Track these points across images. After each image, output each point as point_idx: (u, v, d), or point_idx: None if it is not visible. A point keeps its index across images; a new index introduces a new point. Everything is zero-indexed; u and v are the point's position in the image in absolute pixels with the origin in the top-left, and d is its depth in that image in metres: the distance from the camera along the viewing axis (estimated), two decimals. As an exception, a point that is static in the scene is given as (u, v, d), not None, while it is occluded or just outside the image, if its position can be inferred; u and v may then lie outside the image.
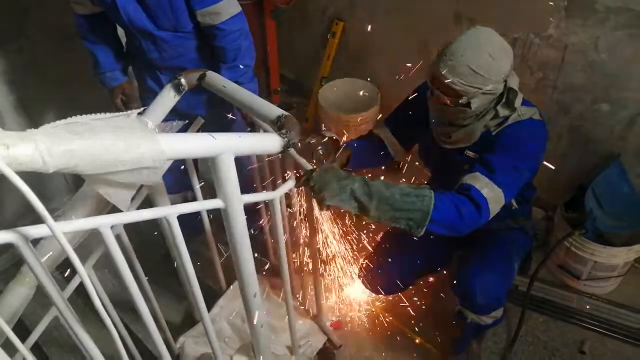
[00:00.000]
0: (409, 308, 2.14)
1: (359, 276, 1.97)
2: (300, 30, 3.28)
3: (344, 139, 1.67)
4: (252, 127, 1.65)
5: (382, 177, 1.42)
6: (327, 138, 1.34)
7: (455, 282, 1.71)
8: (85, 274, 0.86)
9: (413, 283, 1.98)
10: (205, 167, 2.12)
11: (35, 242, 0.96)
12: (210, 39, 1.80)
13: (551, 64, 2.16)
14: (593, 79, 2.07)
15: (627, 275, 2.21)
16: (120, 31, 1.92)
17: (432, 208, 1.31)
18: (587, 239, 2.05)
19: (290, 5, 2.94)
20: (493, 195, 1.41)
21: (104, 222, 0.90)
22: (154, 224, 1.30)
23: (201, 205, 1.15)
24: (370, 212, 1.30)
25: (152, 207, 1.47)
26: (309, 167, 1.33)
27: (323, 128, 2.97)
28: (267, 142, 1.19)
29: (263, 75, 3.32)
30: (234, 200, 1.13)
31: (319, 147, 1.31)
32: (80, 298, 2.02)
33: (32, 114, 2.35)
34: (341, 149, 1.60)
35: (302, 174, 1.35)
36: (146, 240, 2.22)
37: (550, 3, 2.02)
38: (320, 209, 1.33)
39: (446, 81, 1.41)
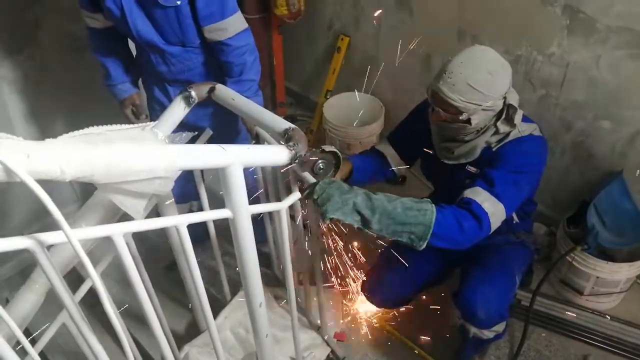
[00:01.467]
0: (412, 321, 2.15)
1: (361, 289, 1.99)
2: (307, 44, 3.33)
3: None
4: (257, 140, 1.68)
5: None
6: (327, 152, 1.36)
7: (457, 296, 1.72)
8: (98, 280, 0.88)
9: (415, 296, 2.00)
10: (211, 178, 2.15)
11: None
12: (217, 53, 1.84)
13: (553, 81, 2.19)
14: (594, 97, 2.10)
15: (629, 292, 2.22)
16: (131, 43, 1.97)
17: (433, 222, 1.33)
18: (589, 254, 2.06)
19: (297, 21, 2.98)
20: (494, 210, 1.44)
21: (117, 230, 0.93)
22: (156, 234, 1.32)
23: (210, 215, 1.17)
24: (372, 226, 1.31)
25: (158, 216, 1.51)
26: (312, 180, 1.35)
27: (326, 142, 3.01)
28: (275, 154, 1.22)
29: (269, 88, 3.36)
30: (242, 210, 1.15)
31: (320, 161, 1.33)
32: (84, 307, 2.03)
33: (42, 123, 2.38)
34: (342, 163, 1.63)
35: (305, 187, 1.38)
36: (148, 251, 2.24)
37: (553, 22, 2.07)
38: (323, 222, 1.34)
39: (446, 98, 1.44)
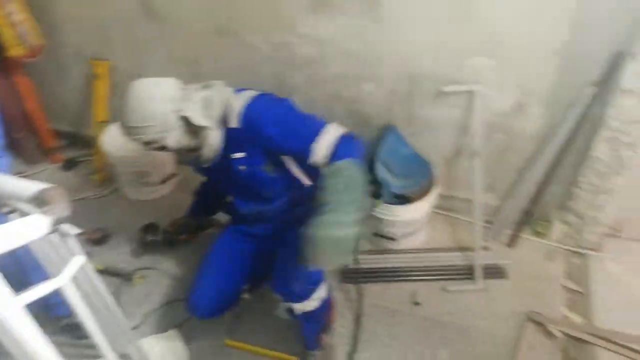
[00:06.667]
0: (255, 328, 2.15)
1: (187, 306, 1.94)
2: (61, 79, 3.00)
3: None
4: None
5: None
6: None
7: (272, 282, 1.76)
8: None
9: (238, 297, 2.01)
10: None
11: None
12: None
13: (314, 59, 2.31)
14: (351, 65, 2.27)
15: (430, 223, 2.51)
16: None
17: (351, 160, 1.45)
18: (389, 204, 2.27)
19: (38, 57, 2.64)
20: (333, 131, 1.54)
21: None
22: None
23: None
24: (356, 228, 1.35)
25: None
26: None
27: (116, 178, 2.77)
28: (28, 229, 1.04)
29: (31, 139, 2.95)
30: (7, 305, 0.96)
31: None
32: None
33: None
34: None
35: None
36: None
37: (297, 4, 2.16)
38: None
39: (134, 141, 1.61)
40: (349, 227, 1.32)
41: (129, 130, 1.58)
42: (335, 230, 1.31)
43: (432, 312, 2.18)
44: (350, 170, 1.42)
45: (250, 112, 1.60)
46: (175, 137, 1.61)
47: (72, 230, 1.32)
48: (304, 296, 1.72)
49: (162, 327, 2.17)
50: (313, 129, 1.53)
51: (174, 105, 1.58)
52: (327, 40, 2.23)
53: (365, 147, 1.77)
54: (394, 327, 2.13)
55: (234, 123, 1.63)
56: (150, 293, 2.34)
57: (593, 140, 2.04)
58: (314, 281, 1.74)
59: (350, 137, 1.53)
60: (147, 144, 1.62)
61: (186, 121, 1.61)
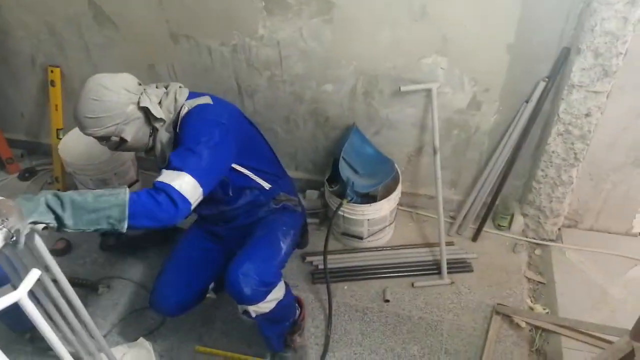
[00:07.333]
0: (226, 333, 2.13)
1: (150, 303, 1.91)
2: (14, 87, 2.90)
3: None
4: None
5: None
6: None
7: (224, 282, 1.70)
8: None
9: (202, 295, 1.98)
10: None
11: None
12: None
13: (272, 61, 2.29)
14: (310, 66, 2.26)
15: (397, 220, 2.53)
16: None
17: (127, 201, 1.32)
18: (355, 203, 2.28)
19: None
20: (181, 182, 1.44)
21: None
22: None
23: None
24: (66, 222, 1.25)
25: None
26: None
27: (77, 186, 2.70)
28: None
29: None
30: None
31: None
32: None
33: None
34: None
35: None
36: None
37: (251, 6, 2.13)
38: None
39: (89, 135, 1.58)
40: (37, 210, 1.21)
41: (86, 123, 1.55)
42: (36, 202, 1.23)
43: (402, 308, 2.21)
44: (116, 207, 1.32)
45: (186, 118, 1.63)
46: (133, 130, 1.61)
47: (38, 226, 1.28)
48: (256, 298, 1.66)
49: (131, 335, 2.15)
50: (180, 162, 1.47)
51: (132, 96, 1.58)
52: (285, 42, 2.22)
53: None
54: (365, 325, 2.15)
55: (179, 127, 1.65)
56: (117, 302, 2.31)
57: (547, 134, 2.09)
58: (267, 282, 1.69)
59: (168, 197, 1.40)
60: (104, 138, 1.60)
61: (144, 113, 1.61)
